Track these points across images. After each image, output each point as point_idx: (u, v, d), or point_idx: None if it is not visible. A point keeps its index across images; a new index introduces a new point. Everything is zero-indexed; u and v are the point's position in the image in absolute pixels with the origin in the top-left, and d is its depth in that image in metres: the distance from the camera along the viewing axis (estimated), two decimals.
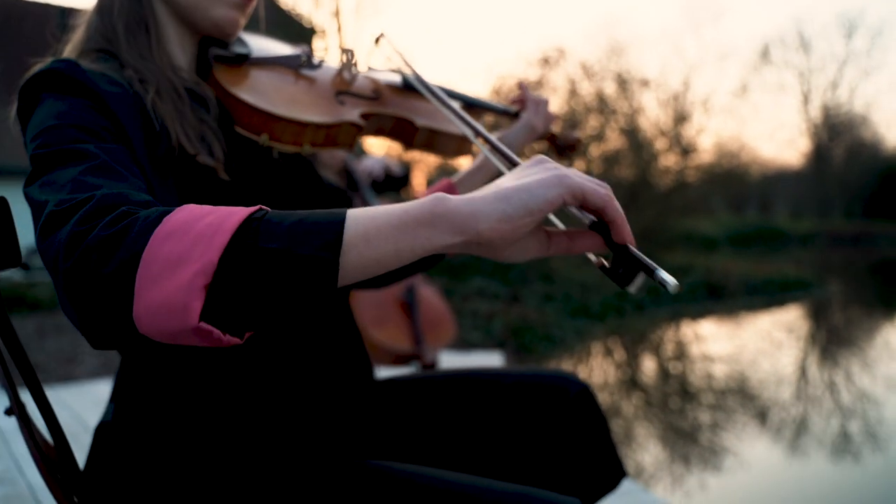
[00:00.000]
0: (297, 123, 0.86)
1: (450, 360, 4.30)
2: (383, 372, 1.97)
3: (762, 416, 4.45)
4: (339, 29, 14.83)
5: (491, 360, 5.03)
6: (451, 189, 1.05)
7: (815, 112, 32.84)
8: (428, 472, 0.78)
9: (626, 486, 2.48)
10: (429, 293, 2.89)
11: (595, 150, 15.19)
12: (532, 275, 9.69)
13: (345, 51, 0.98)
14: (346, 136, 0.92)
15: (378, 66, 1.07)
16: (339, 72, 0.97)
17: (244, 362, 0.83)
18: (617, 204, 0.56)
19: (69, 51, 0.84)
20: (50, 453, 0.75)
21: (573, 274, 9.99)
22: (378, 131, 1.01)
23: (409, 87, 1.02)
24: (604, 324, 8.24)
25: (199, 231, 0.50)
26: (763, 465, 3.53)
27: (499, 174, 0.99)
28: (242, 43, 0.94)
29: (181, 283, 0.48)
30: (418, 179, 13.50)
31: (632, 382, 5.57)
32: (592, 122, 15.37)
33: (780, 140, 42.59)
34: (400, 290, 2.80)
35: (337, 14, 14.89)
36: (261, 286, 0.50)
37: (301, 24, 14.07)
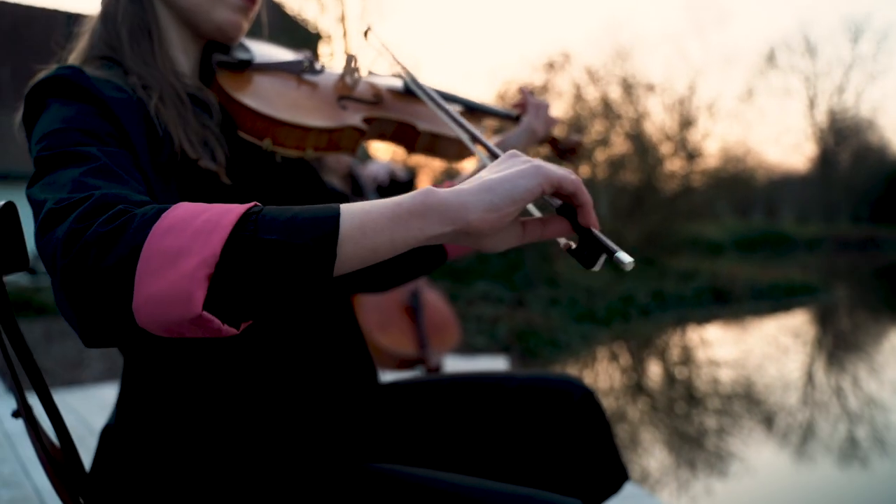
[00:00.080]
0: (299, 128, 0.86)
1: (454, 365, 4.30)
2: (388, 376, 1.97)
3: (769, 421, 4.43)
4: (345, 34, 14.90)
5: (496, 364, 5.03)
6: None
7: (822, 116, 32.77)
8: (430, 474, 0.78)
9: (631, 490, 2.47)
10: (433, 297, 2.89)
11: (600, 155, 15.19)
12: (537, 279, 9.69)
13: (347, 56, 0.99)
14: (349, 140, 0.93)
15: (377, 68, 1.07)
16: (342, 77, 0.98)
17: (248, 366, 0.84)
18: (585, 190, 0.60)
19: (73, 59, 0.85)
20: (56, 455, 0.76)
21: (578, 278, 9.99)
22: (380, 135, 1.02)
23: (411, 92, 1.03)
24: (609, 328, 8.24)
25: (198, 226, 0.52)
26: (769, 471, 3.51)
27: None
28: (245, 49, 0.95)
29: (184, 273, 0.50)
30: (423, 184, 13.51)
31: (637, 387, 5.56)
32: (598, 127, 15.38)
33: (785, 145, 42.51)
34: (404, 294, 2.80)
35: (342, 19, 14.96)
36: (260, 275, 0.51)
37: (307, 30, 14.12)
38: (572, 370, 6.13)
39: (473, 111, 1.13)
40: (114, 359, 5.14)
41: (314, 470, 0.80)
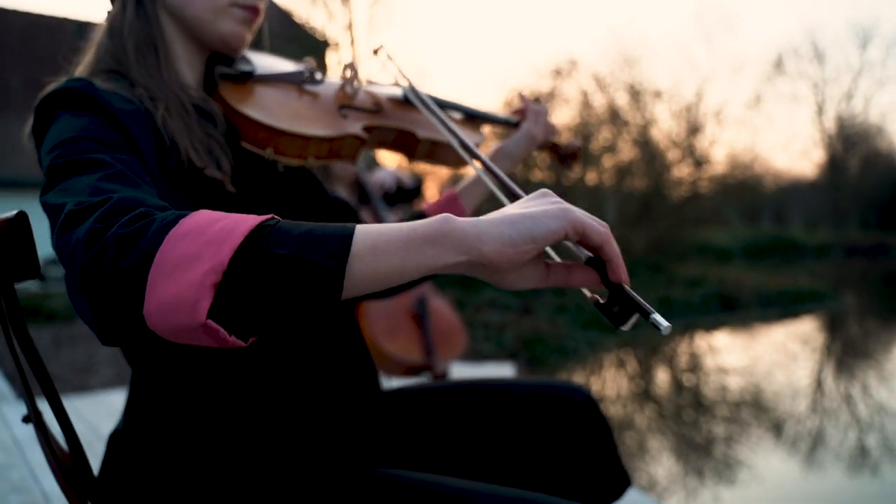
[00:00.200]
0: (300, 137, 0.88)
1: (461, 372, 4.30)
2: (394, 383, 1.98)
3: (777, 428, 4.41)
4: (353, 42, 14.97)
5: (502, 371, 5.02)
6: (454, 199, 1.07)
7: (830, 123, 32.60)
8: (434, 479, 0.79)
9: (639, 498, 2.47)
10: (440, 304, 2.89)
11: (608, 162, 15.20)
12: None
13: (347, 65, 1.00)
14: (350, 148, 0.94)
15: (379, 79, 1.09)
16: (342, 86, 1.00)
17: (252, 372, 0.85)
18: (615, 244, 0.57)
19: (80, 72, 0.87)
20: (65, 460, 0.77)
21: None
22: (380, 143, 1.04)
23: (410, 101, 1.05)
24: (616, 335, 8.21)
25: (212, 233, 0.52)
26: (778, 479, 3.49)
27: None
28: (247, 61, 0.97)
29: (192, 280, 0.50)
30: (430, 191, 13.54)
31: (645, 394, 5.54)
32: (605, 134, 15.39)
33: (794, 151, 42.29)
34: (411, 301, 2.80)
35: (350, 27, 15.03)
36: (268, 289, 0.51)
37: (315, 38, 14.21)
38: (579, 377, 6.11)
39: (473, 118, 1.14)
40: (122, 364, 5.16)
41: (319, 474, 0.81)
